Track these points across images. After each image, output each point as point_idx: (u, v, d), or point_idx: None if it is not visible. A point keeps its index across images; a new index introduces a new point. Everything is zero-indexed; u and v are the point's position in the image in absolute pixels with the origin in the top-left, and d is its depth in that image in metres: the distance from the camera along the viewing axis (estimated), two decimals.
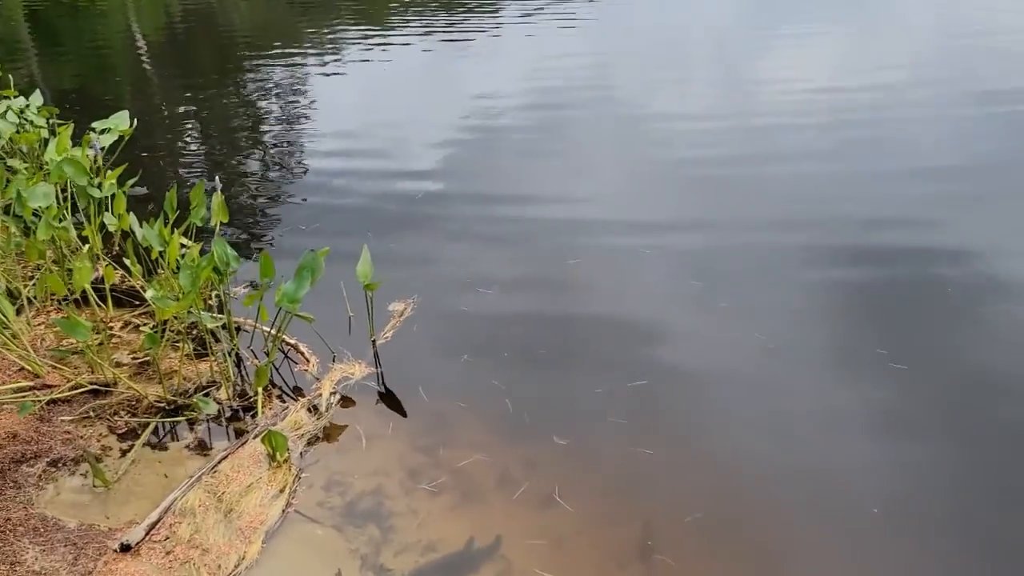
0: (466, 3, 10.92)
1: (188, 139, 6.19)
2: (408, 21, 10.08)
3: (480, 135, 6.20)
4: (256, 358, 3.38)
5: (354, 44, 9.37)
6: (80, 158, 3.71)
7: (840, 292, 3.77)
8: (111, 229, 3.95)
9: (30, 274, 3.82)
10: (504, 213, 4.79)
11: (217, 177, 3.80)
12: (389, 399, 3.18)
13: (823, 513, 2.57)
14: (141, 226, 3.38)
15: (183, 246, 3.47)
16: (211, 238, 3.08)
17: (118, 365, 3.23)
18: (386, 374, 3.28)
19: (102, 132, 4.30)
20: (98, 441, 2.92)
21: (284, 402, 3.12)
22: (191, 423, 3.03)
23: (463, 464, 2.84)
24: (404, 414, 3.09)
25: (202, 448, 2.93)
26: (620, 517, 2.59)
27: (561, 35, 9.24)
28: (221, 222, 3.53)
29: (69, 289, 3.65)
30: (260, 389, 3.08)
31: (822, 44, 8.44)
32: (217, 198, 3.51)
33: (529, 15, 10.23)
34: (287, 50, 9.34)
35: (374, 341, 3.42)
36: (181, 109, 7.02)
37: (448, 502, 2.70)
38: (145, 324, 3.55)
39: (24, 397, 3.04)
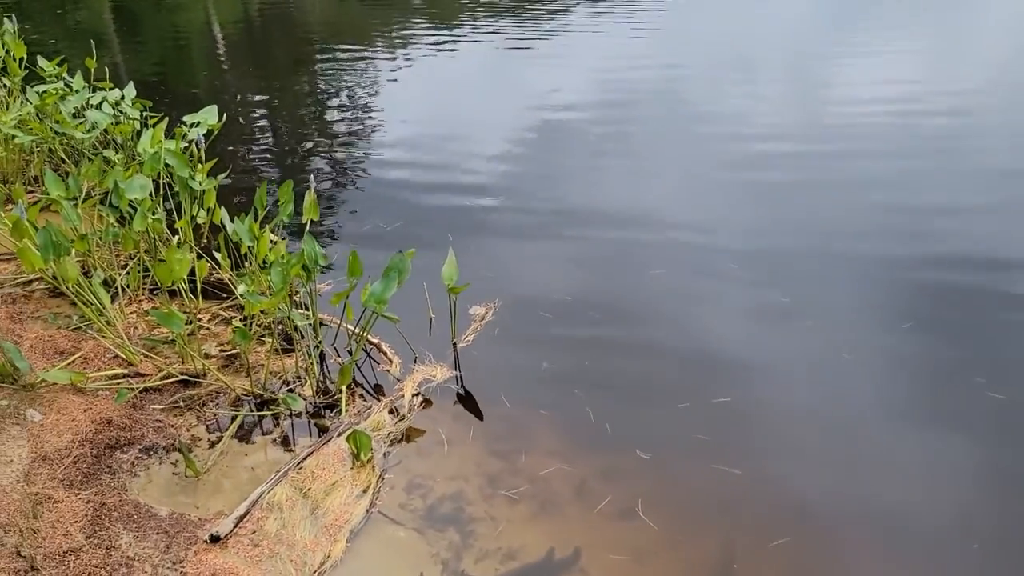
0: (535, 7, 10.90)
1: (259, 134, 6.30)
2: (476, 23, 10.11)
3: (550, 138, 6.19)
4: (339, 356, 3.42)
5: (423, 44, 9.43)
6: (176, 150, 3.81)
7: (931, 316, 3.66)
8: (199, 222, 4.05)
9: (123, 263, 3.93)
10: (579, 218, 4.77)
11: (312, 177, 3.85)
12: (470, 403, 3.19)
13: (918, 550, 2.50)
14: (232, 221, 3.45)
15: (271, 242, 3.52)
16: (290, 234, 3.13)
17: (207, 356, 3.30)
18: (467, 378, 3.29)
19: (192, 125, 4.40)
20: (188, 431, 2.99)
21: (367, 401, 3.16)
22: (276, 417, 3.08)
23: (543, 472, 2.83)
24: (484, 419, 3.10)
25: (287, 443, 2.98)
26: (704, 536, 2.56)
27: (630, 40, 9.17)
28: (312, 220, 3.58)
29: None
30: (344, 387, 3.12)
31: (900, 60, 8.21)
32: (309, 196, 3.56)
33: (597, 19, 10.17)
34: (358, 48, 9.45)
35: (455, 344, 3.44)
36: (254, 104, 7.15)
37: (527, 510, 2.69)
38: (232, 317, 3.63)
39: (119, 384, 3.13)
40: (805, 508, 2.65)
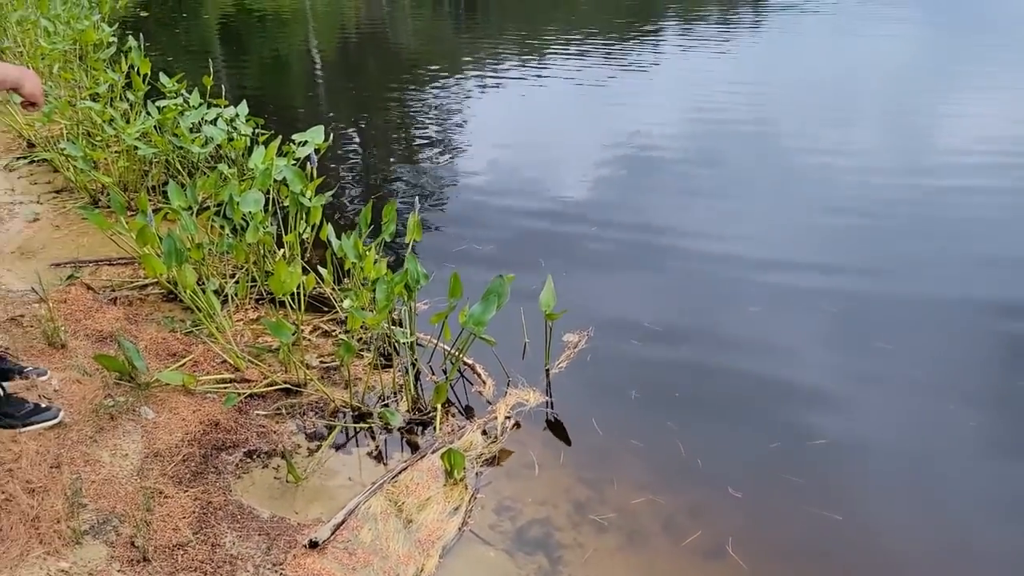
0: (626, 34, 10.96)
1: (353, 152, 6.49)
2: (567, 49, 10.22)
3: (640, 166, 6.21)
4: (434, 374, 3.51)
5: (514, 68, 9.58)
6: (291, 167, 3.98)
7: None
8: (304, 236, 4.21)
9: (232, 272, 4.11)
10: (671, 249, 4.78)
11: (416, 199, 3.97)
12: (560, 429, 3.22)
13: None
14: (339, 238, 3.59)
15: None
16: (386, 251, 3.21)
17: (308, 367, 3.42)
18: (558, 404, 3.33)
19: (300, 144, 4.58)
20: (289, 438, 3.10)
21: (459, 420, 3.23)
22: (372, 430, 3.17)
23: (632, 503, 2.84)
24: (575, 445, 3.13)
25: (381, 457, 3.06)
26: None
27: (722, 71, 9.12)
28: (415, 240, 3.69)
29: (266, 289, 3.92)
30: (439, 406, 3.19)
31: (1015, 98, 7.96)
32: (413, 217, 3.68)
33: (689, 45, 10.16)
34: (449, 70, 9.66)
35: (548, 370, 3.48)
36: (349, 122, 7.37)
37: (615, 541, 2.70)
38: (333, 331, 3.76)
39: (226, 389, 3.27)
40: (906, 561, 2.59)
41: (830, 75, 8.74)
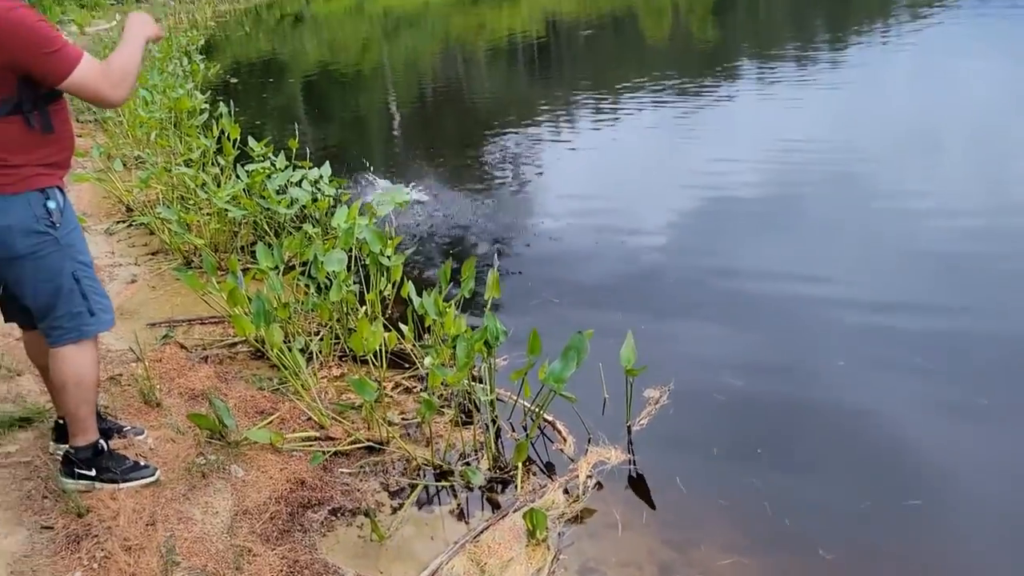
0: (700, 79, 10.95)
1: (431, 208, 6.58)
2: (640, 96, 10.25)
3: (718, 211, 6.14)
4: (514, 431, 3.51)
5: (587, 117, 9.67)
6: (370, 226, 4.10)
7: None
8: (385, 294, 4.30)
9: (316, 330, 4.22)
10: (751, 297, 4.69)
11: (496, 255, 4.03)
12: (643, 487, 3.17)
13: None
14: (419, 294, 3.66)
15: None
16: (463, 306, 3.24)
17: (390, 424, 3.46)
18: (641, 462, 3.28)
19: (381, 203, 4.72)
20: (372, 496, 3.14)
21: (540, 479, 3.21)
22: (453, 488, 3.18)
23: (718, 565, 2.76)
24: (658, 505, 3.07)
25: (462, 515, 3.06)
26: None
27: (802, 113, 8.99)
28: (494, 297, 3.73)
29: (349, 347, 4.00)
30: (519, 463, 3.19)
31: None
32: (492, 275, 3.73)
33: (765, 87, 10.06)
34: (524, 122, 9.79)
35: (629, 427, 3.45)
36: (427, 179, 7.52)
37: None
38: (414, 387, 3.81)
39: (311, 447, 3.34)
40: None
41: (917, 112, 8.53)
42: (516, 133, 9.19)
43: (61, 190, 2.70)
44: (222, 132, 6.27)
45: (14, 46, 2.41)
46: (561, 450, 3.36)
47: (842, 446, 3.36)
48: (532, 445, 3.38)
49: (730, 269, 5.08)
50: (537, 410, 3.35)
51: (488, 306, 3.65)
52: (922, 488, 3.04)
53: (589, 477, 3.16)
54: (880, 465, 3.22)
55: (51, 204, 2.62)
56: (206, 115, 7.31)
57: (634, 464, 3.28)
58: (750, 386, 3.79)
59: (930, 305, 4.43)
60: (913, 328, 4.16)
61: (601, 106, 9.99)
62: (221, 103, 6.53)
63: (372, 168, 7.06)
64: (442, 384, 3.51)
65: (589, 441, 3.38)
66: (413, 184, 6.86)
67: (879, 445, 3.33)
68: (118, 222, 6.14)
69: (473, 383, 3.48)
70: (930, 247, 5.10)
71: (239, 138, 6.03)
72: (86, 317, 2.76)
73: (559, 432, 3.43)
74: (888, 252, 5.16)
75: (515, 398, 3.56)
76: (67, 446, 2.95)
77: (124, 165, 6.48)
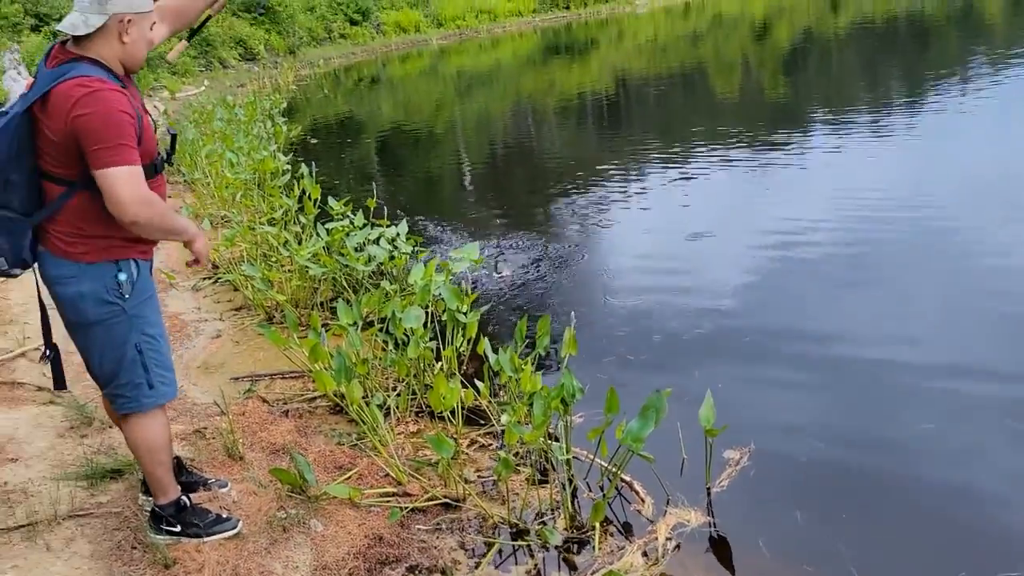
0: (772, 134, 10.87)
1: (505, 264, 6.64)
2: (711, 152, 10.23)
3: (793, 267, 6.04)
4: (591, 490, 3.47)
5: (658, 173, 9.66)
6: (445, 283, 4.17)
7: None
8: (461, 350, 4.34)
9: (392, 386, 4.28)
10: (832, 356, 4.57)
11: (572, 313, 4.04)
12: (724, 551, 3.08)
13: None
14: (495, 351, 3.68)
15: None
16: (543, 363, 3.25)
17: (466, 481, 3.46)
18: (722, 524, 3.20)
19: (456, 260, 4.79)
20: (449, 554, 3.13)
21: (618, 540, 3.15)
22: (529, 548, 3.15)
23: None
24: (740, 570, 2.98)
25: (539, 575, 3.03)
26: None
27: (873, 162, 8.85)
28: (571, 354, 3.73)
29: (425, 402, 4.04)
30: (597, 523, 3.14)
31: None
32: (569, 332, 3.73)
33: (840, 142, 9.91)
34: (595, 179, 9.84)
35: (709, 489, 3.37)
36: (499, 235, 7.61)
37: None
38: (489, 444, 3.81)
39: (388, 502, 3.36)
40: None
41: (997, 167, 8.29)
42: (586, 190, 9.26)
43: (138, 261, 2.74)
44: (303, 192, 6.49)
45: (77, 127, 2.45)
46: (639, 511, 3.31)
47: (931, 513, 3.23)
48: (609, 505, 3.33)
49: (807, 328, 4.97)
50: (615, 469, 3.32)
51: (564, 363, 3.64)
52: (1019, 561, 2.88)
53: (668, 539, 3.09)
54: (971, 534, 3.07)
55: (122, 276, 2.67)
56: (288, 175, 7.59)
57: (715, 526, 3.20)
58: (833, 449, 3.68)
59: (1017, 366, 4.24)
60: (1003, 393, 3.98)
61: (672, 162, 10.00)
62: (302, 163, 6.77)
63: (446, 225, 7.19)
64: (519, 442, 3.51)
65: (668, 502, 3.32)
66: (486, 241, 6.96)
67: (970, 513, 3.19)
68: (204, 278, 6.37)
69: (549, 441, 3.46)
70: (1018, 309, 4.90)
71: (319, 197, 6.24)
72: (145, 389, 2.80)
73: (637, 492, 3.38)
74: (973, 313, 4.97)
75: (592, 457, 3.53)
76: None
77: (211, 224, 6.76)
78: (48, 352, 2.85)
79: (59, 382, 2.92)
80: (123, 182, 2.48)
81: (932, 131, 9.97)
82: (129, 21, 2.59)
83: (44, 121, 2.52)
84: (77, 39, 2.58)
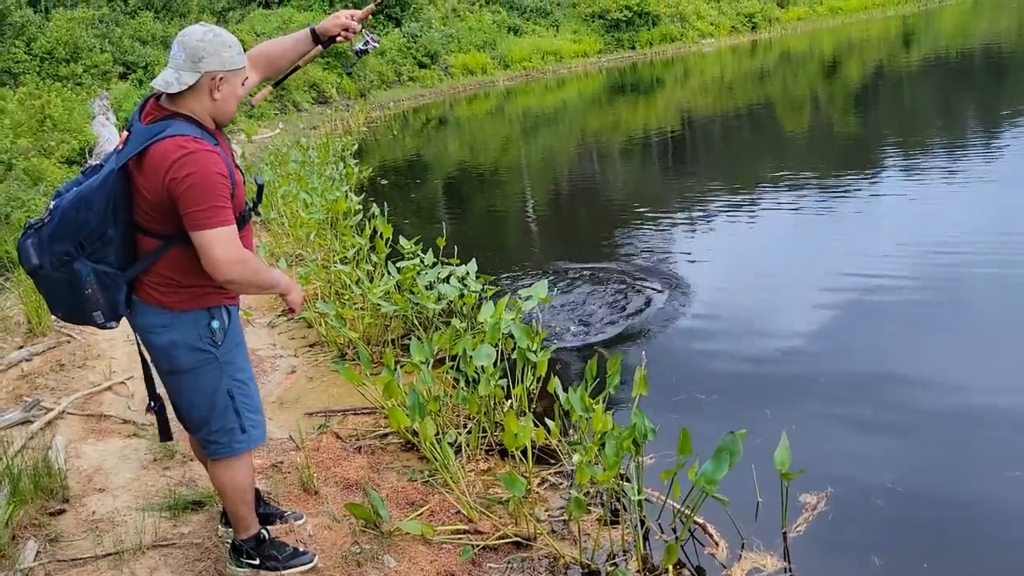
0: (841, 175, 10.68)
1: (573, 303, 6.65)
2: (778, 190, 10.10)
3: (864, 308, 5.90)
4: (663, 532, 3.43)
5: (722, 210, 9.58)
6: (515, 321, 4.21)
7: None
8: (531, 388, 4.36)
9: (463, 423, 4.32)
10: (912, 398, 4.47)
11: (644, 352, 4.04)
12: None
13: None
14: (565, 389, 3.69)
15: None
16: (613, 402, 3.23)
17: (537, 520, 3.46)
18: (798, 570, 3.13)
19: (526, 299, 4.83)
20: None
21: None
22: None
23: None
24: None
25: None
26: None
27: (948, 201, 8.63)
28: (641, 394, 3.72)
29: (495, 440, 4.07)
30: (669, 566, 3.10)
31: None
32: (640, 371, 3.73)
33: (911, 182, 9.69)
34: (661, 217, 9.81)
35: (785, 533, 3.30)
36: (566, 273, 7.63)
37: None
38: (560, 483, 3.81)
39: (459, 540, 3.38)
40: None
41: None
42: (653, 229, 9.23)
43: (229, 308, 2.82)
44: (375, 231, 6.65)
45: (173, 188, 2.52)
46: (713, 555, 3.26)
47: (1018, 565, 3.10)
48: (682, 548, 3.29)
49: (883, 372, 4.84)
50: (688, 512, 3.28)
51: (636, 403, 3.63)
52: None
53: None
54: None
55: (215, 324, 2.75)
56: (359, 215, 7.78)
57: (791, 572, 3.13)
58: (913, 494, 3.57)
59: None
60: None
61: (739, 201, 9.92)
62: (373, 203, 6.94)
63: (513, 263, 7.25)
64: (590, 482, 3.50)
65: (743, 546, 3.26)
66: (554, 279, 7.00)
67: None
68: (280, 315, 6.55)
69: (621, 482, 3.45)
70: None
71: (391, 237, 6.37)
72: (238, 434, 2.87)
73: (711, 536, 3.33)
74: None
75: (664, 498, 3.50)
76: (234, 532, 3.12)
77: (287, 263, 6.96)
78: (153, 404, 2.92)
79: (165, 434, 2.99)
80: (219, 244, 2.54)
81: (1010, 172, 9.67)
82: (221, 79, 2.66)
83: (139, 179, 2.59)
84: (170, 95, 2.66)
